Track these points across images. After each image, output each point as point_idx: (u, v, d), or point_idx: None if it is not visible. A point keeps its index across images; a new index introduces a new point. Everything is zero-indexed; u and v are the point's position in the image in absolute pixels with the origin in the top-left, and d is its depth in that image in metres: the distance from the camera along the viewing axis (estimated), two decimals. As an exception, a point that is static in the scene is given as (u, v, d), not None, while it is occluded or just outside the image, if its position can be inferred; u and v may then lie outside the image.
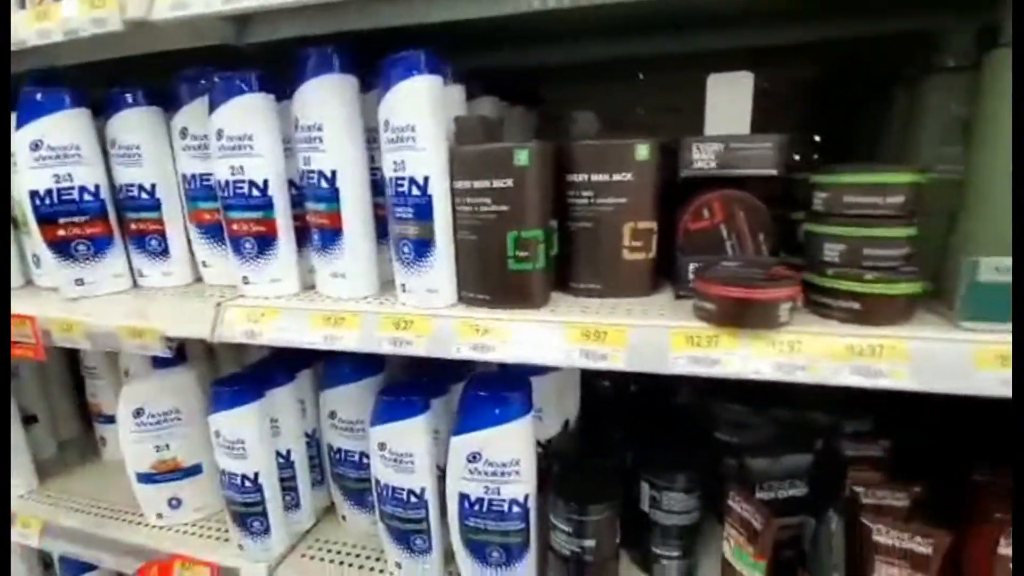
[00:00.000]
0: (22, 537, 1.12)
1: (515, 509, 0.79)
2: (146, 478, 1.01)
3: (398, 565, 0.89)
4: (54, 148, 0.86)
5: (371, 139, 0.80)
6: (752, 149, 0.70)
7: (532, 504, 0.81)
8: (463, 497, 0.81)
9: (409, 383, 0.88)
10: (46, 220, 0.88)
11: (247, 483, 0.88)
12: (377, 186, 0.81)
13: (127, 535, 1.03)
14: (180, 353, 1.01)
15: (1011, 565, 0.67)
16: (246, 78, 0.78)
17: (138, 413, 0.97)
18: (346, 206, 0.78)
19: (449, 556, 0.88)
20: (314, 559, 0.95)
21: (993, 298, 0.56)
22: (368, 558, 0.94)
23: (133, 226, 0.94)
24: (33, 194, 0.87)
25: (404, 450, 0.83)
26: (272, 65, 0.80)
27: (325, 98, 0.75)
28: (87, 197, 0.90)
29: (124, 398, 0.97)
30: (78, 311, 0.88)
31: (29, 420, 1.24)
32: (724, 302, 0.60)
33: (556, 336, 0.68)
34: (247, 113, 0.78)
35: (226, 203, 0.82)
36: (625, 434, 0.95)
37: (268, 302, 0.82)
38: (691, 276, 0.71)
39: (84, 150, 0.89)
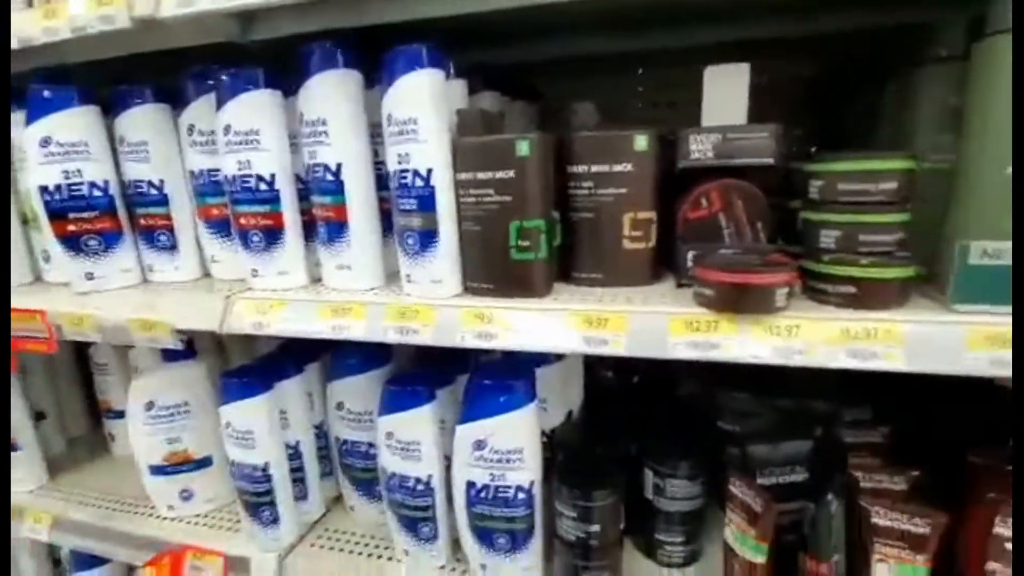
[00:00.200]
0: (32, 532, 1.14)
1: (520, 495, 0.81)
2: (157, 470, 1.02)
3: (406, 552, 0.91)
4: (63, 144, 0.88)
5: (375, 134, 0.81)
6: (749, 139, 0.71)
7: (537, 491, 0.82)
8: (470, 484, 0.82)
9: (415, 374, 0.90)
10: (56, 215, 0.90)
11: (257, 473, 0.90)
12: (381, 180, 0.83)
13: (138, 527, 1.04)
14: (189, 347, 1.02)
15: (1007, 545, 0.68)
16: (253, 75, 0.79)
17: (149, 406, 0.99)
18: (351, 199, 0.80)
19: (456, 543, 0.89)
20: (323, 548, 0.96)
21: (983, 281, 0.57)
22: (377, 547, 0.96)
23: (142, 221, 0.96)
24: (43, 189, 0.89)
25: (411, 439, 0.84)
26: (275, 63, 0.82)
27: (330, 93, 0.76)
28: (96, 192, 0.92)
29: (135, 391, 0.99)
30: (88, 305, 0.90)
31: (38, 416, 1.26)
32: (722, 287, 0.62)
33: (559, 323, 0.69)
34: (254, 109, 0.80)
35: (234, 197, 0.83)
36: (628, 424, 0.96)
37: (276, 294, 0.84)
38: (690, 264, 0.73)
39: (93, 146, 0.90)
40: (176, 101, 0.93)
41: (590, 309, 0.68)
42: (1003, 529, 0.68)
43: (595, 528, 0.79)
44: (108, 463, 1.29)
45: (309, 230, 0.87)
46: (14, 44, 0.84)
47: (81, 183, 0.90)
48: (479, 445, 0.80)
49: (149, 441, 1.01)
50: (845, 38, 0.90)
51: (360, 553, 0.95)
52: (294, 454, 0.96)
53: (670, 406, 1.06)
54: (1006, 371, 0.55)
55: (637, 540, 0.93)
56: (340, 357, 0.97)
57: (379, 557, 0.94)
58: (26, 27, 0.84)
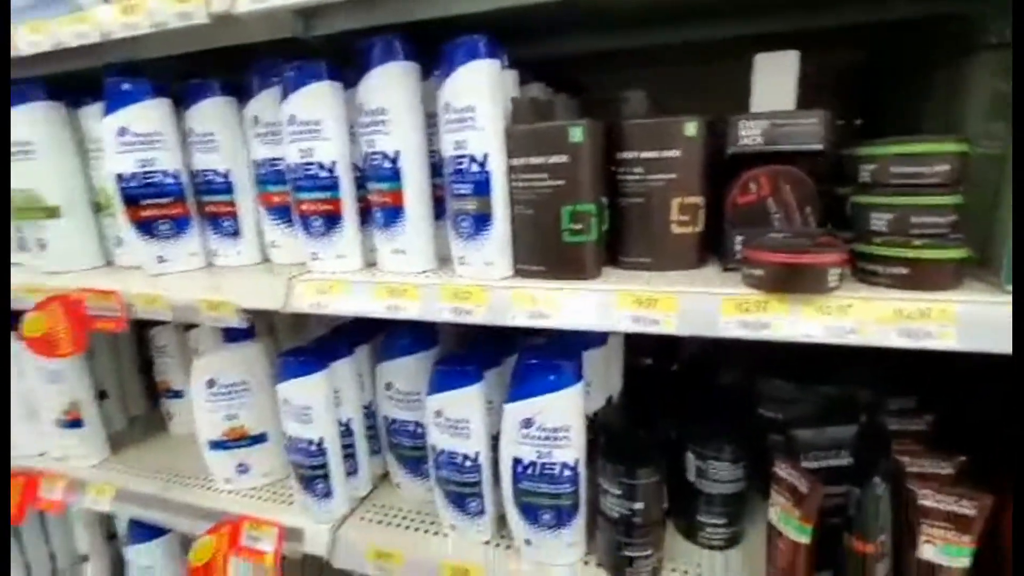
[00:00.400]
0: (95, 504, 1.20)
1: (566, 472, 0.83)
2: (217, 445, 1.08)
3: (452, 527, 0.95)
4: (139, 135, 0.95)
5: (429, 124, 0.85)
6: (798, 125, 0.72)
7: (582, 468, 0.85)
8: (516, 461, 0.85)
9: (464, 355, 0.93)
10: (131, 201, 0.97)
11: (312, 447, 0.94)
12: (434, 168, 0.87)
13: (197, 499, 1.10)
14: (248, 329, 1.08)
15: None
16: (317, 68, 0.84)
17: (210, 384, 1.04)
18: (408, 185, 0.83)
19: (501, 519, 0.93)
20: (372, 522, 1.01)
21: (1040, 260, 0.58)
22: (423, 522, 1.00)
23: (208, 208, 1.02)
24: (119, 176, 0.95)
25: (460, 416, 0.88)
26: (332, 57, 0.86)
27: (390, 84, 0.80)
28: (168, 181, 0.98)
29: (198, 369, 1.04)
30: (159, 286, 0.96)
31: (101, 396, 1.33)
32: (774, 268, 0.63)
33: (609, 303, 0.71)
34: (317, 100, 0.84)
35: (296, 184, 0.88)
36: (668, 410, 0.98)
37: (335, 276, 0.88)
38: (738, 248, 0.74)
39: (165, 137, 0.97)
40: (240, 94, 0.98)
41: (640, 290, 0.71)
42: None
43: (639, 505, 0.81)
44: (166, 440, 1.36)
45: (364, 217, 0.91)
46: (95, 38, 0.90)
47: (154, 171, 0.96)
48: (527, 423, 0.83)
49: (209, 417, 1.07)
50: (894, 27, 0.91)
51: (407, 527, 0.99)
52: (346, 431, 1.00)
53: (710, 393, 1.07)
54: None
55: (679, 522, 0.94)
56: (390, 339, 1.01)
57: (426, 531, 0.98)
58: (106, 21, 0.89)
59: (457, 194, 0.79)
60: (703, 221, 0.78)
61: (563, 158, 0.72)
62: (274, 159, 0.96)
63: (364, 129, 0.84)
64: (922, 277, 0.63)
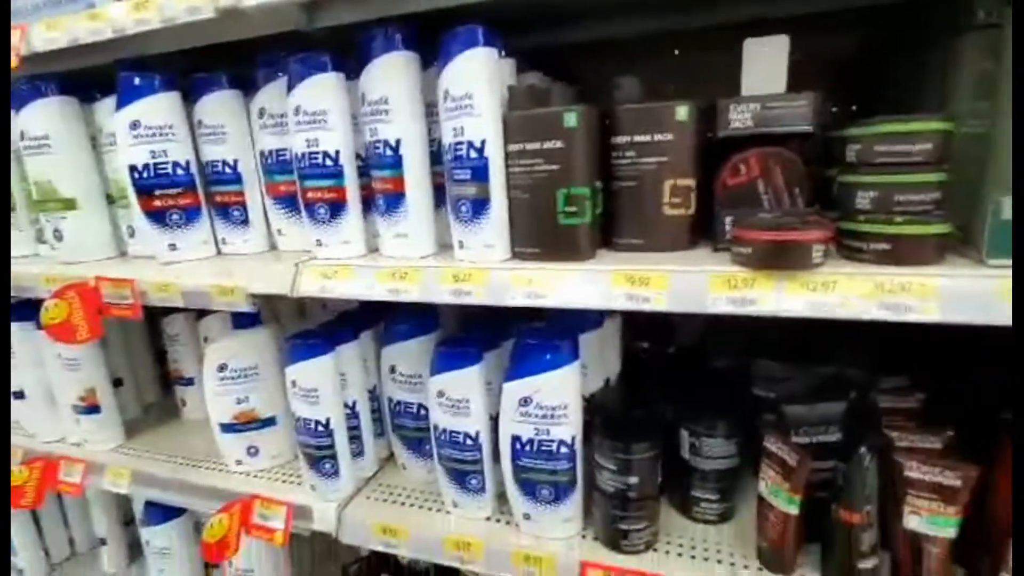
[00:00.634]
0: (113, 486, 1.25)
1: (563, 449, 0.86)
2: (228, 428, 1.12)
3: (455, 504, 0.98)
4: (151, 127, 0.98)
5: (429, 113, 0.88)
6: (788, 107, 0.74)
7: (579, 446, 0.87)
8: (515, 439, 0.88)
9: (464, 337, 0.96)
10: (144, 191, 1.00)
11: (320, 428, 0.97)
12: (434, 157, 0.89)
13: (210, 480, 1.14)
14: (255, 315, 1.11)
15: None
16: (321, 59, 0.87)
17: (222, 368, 1.08)
18: (409, 172, 0.86)
19: (501, 497, 0.96)
20: (378, 501, 1.04)
21: (1016, 234, 0.60)
22: (427, 500, 1.03)
23: (217, 198, 1.06)
24: (132, 168, 0.99)
25: (460, 396, 0.91)
26: (334, 49, 0.88)
27: (392, 73, 0.83)
28: (179, 171, 1.01)
29: (210, 354, 1.08)
30: (171, 274, 1.00)
31: (116, 383, 1.38)
32: (760, 244, 0.66)
33: (603, 282, 0.74)
34: (322, 91, 0.87)
35: (302, 173, 0.91)
36: (663, 391, 1.00)
37: (340, 261, 0.91)
38: (728, 229, 0.77)
39: (176, 129, 1.00)
40: (246, 87, 1.02)
41: (632, 269, 0.73)
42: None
43: (634, 480, 0.84)
44: (179, 426, 1.40)
45: (367, 204, 0.94)
46: (108, 34, 0.93)
47: (166, 163, 1.00)
48: (525, 401, 0.86)
49: (221, 401, 1.11)
50: (884, 10, 0.92)
51: (412, 505, 1.02)
52: (351, 413, 1.04)
53: (705, 374, 1.09)
54: (1038, 321, 0.58)
55: (673, 498, 0.97)
56: (393, 324, 1.04)
57: (429, 509, 1.01)
58: (119, 18, 0.93)
59: (456, 179, 0.82)
60: (695, 204, 0.80)
61: (558, 143, 0.75)
62: (280, 150, 0.99)
63: (366, 118, 0.87)
64: (904, 252, 0.65)
